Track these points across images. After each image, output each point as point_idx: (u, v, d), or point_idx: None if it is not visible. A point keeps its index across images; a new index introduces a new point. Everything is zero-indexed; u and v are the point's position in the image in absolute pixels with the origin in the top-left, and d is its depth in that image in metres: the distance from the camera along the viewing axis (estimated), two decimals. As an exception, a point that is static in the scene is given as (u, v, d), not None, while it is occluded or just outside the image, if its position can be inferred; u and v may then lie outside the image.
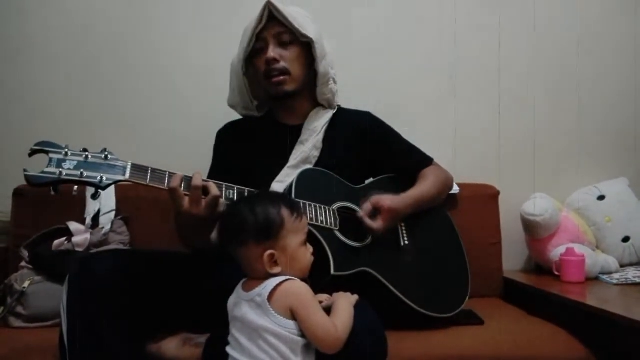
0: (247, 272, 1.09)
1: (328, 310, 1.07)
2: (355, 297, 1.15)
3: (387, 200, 1.39)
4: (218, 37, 1.91)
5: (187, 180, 1.18)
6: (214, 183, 1.20)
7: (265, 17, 1.47)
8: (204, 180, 1.19)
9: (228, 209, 1.14)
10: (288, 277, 1.04)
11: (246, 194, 1.26)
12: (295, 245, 1.07)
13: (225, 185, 1.24)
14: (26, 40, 1.92)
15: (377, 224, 1.36)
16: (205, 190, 1.18)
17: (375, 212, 1.38)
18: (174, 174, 1.18)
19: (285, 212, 1.07)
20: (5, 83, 1.92)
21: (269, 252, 1.04)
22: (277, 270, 1.05)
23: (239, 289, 1.09)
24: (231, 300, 1.10)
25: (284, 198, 1.14)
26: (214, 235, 1.29)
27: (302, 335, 1.01)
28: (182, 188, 1.17)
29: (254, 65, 1.53)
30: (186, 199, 1.17)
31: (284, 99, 1.53)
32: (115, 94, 1.95)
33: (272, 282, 1.03)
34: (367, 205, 1.38)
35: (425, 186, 1.54)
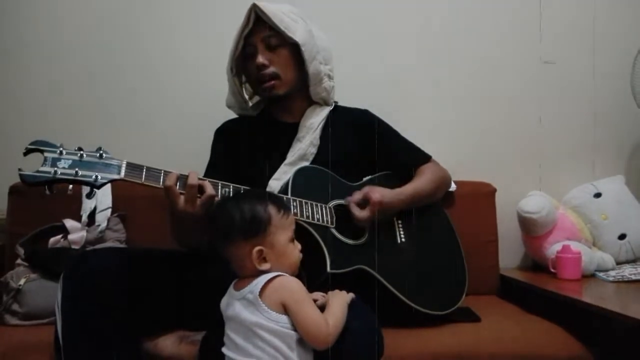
0: (237, 271, 1.09)
1: (323, 308, 1.07)
2: (351, 295, 1.15)
3: (377, 192, 1.38)
4: (213, 36, 1.90)
5: (183, 178, 1.17)
6: (210, 181, 1.20)
7: (252, 20, 1.46)
8: (199, 179, 1.18)
9: (215, 208, 1.13)
10: (279, 273, 1.05)
11: (242, 192, 1.25)
12: (284, 241, 1.07)
13: (221, 183, 1.24)
14: (20, 40, 1.91)
15: (362, 214, 1.36)
16: (200, 189, 1.18)
17: (364, 203, 1.38)
18: (169, 172, 1.17)
19: (272, 209, 1.07)
20: (0, 83, 1.91)
21: (257, 248, 1.04)
22: (266, 266, 1.05)
23: (230, 289, 1.09)
24: (224, 301, 1.10)
25: (270, 195, 1.15)
26: None
27: (296, 329, 1.01)
28: (178, 187, 1.16)
29: (246, 68, 1.52)
30: (181, 197, 1.16)
31: (279, 100, 1.53)
32: (111, 93, 1.93)
33: (263, 279, 1.03)
34: (357, 194, 1.38)
35: (420, 182, 1.53)
